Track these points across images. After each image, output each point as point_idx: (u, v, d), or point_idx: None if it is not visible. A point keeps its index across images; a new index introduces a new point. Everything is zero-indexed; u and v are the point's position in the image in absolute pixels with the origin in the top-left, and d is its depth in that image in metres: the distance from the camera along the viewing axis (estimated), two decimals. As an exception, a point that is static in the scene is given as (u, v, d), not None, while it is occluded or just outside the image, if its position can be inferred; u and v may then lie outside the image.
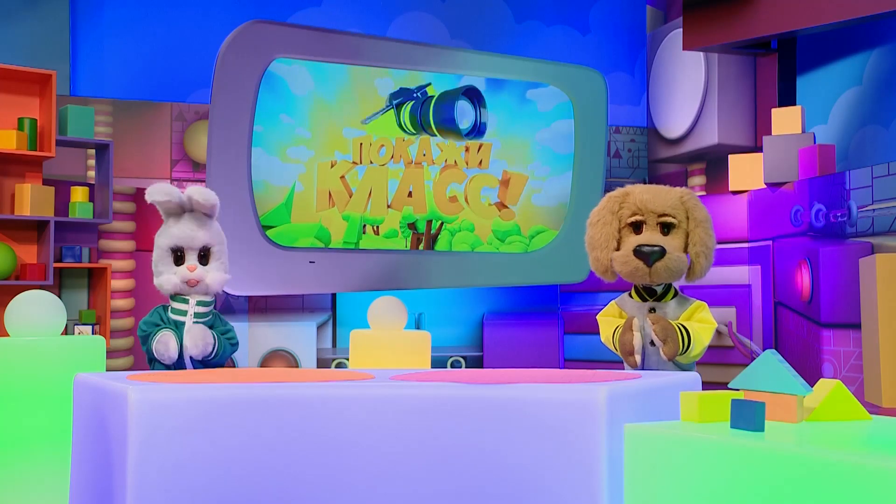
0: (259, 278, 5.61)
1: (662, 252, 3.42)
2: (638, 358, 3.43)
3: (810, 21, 5.53)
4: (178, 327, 3.53)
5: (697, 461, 1.59)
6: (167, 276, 3.56)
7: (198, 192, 3.58)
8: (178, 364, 3.52)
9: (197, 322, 3.55)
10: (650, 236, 3.48)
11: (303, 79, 5.72)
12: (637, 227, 3.54)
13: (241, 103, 5.47)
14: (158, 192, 3.55)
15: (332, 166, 5.80)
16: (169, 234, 3.57)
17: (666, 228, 3.51)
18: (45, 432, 3.57)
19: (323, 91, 5.78)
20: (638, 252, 3.44)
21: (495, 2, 7.07)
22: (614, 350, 3.56)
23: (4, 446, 3.55)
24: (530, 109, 6.34)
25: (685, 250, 3.52)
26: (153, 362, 3.56)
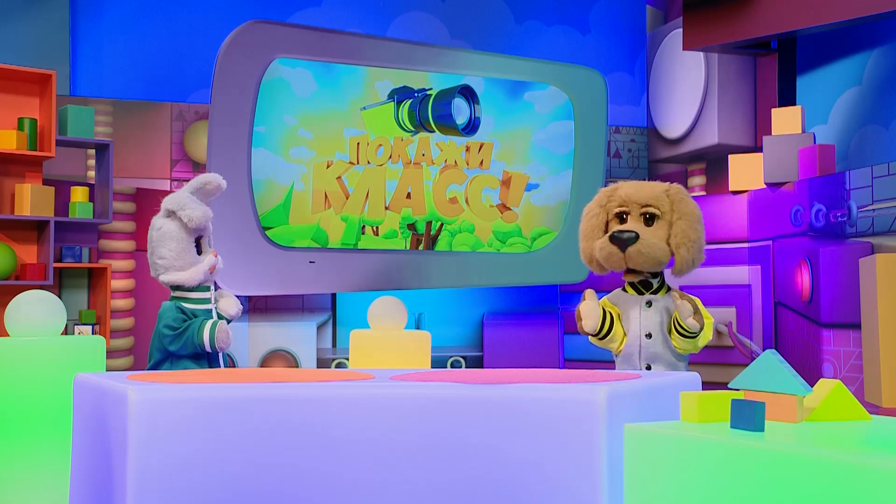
0: (259, 278, 5.61)
1: (636, 237, 3.48)
2: (588, 323, 3.49)
3: (810, 21, 5.53)
4: (197, 317, 3.57)
5: (697, 461, 1.59)
6: (197, 267, 3.59)
7: (218, 178, 3.69)
8: (211, 357, 3.59)
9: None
10: (631, 226, 3.56)
11: (305, 80, 5.72)
12: (623, 219, 3.63)
13: (241, 103, 5.47)
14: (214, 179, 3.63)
15: (328, 167, 5.79)
16: (191, 218, 3.59)
17: (649, 219, 3.59)
18: (45, 432, 3.57)
19: (324, 92, 5.78)
20: (613, 238, 3.52)
21: (495, 2, 7.07)
22: (596, 342, 3.62)
23: (5, 446, 3.55)
24: (528, 110, 6.34)
25: (668, 241, 3.58)
26: (168, 360, 3.55)
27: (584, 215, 3.80)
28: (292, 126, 5.70)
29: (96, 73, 6.25)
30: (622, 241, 3.52)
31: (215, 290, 3.74)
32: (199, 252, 3.66)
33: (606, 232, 3.68)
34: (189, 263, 3.58)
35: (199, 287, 3.61)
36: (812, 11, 5.51)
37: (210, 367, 3.57)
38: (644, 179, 6.98)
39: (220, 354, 3.62)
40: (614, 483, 2.15)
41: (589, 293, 3.56)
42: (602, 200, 3.72)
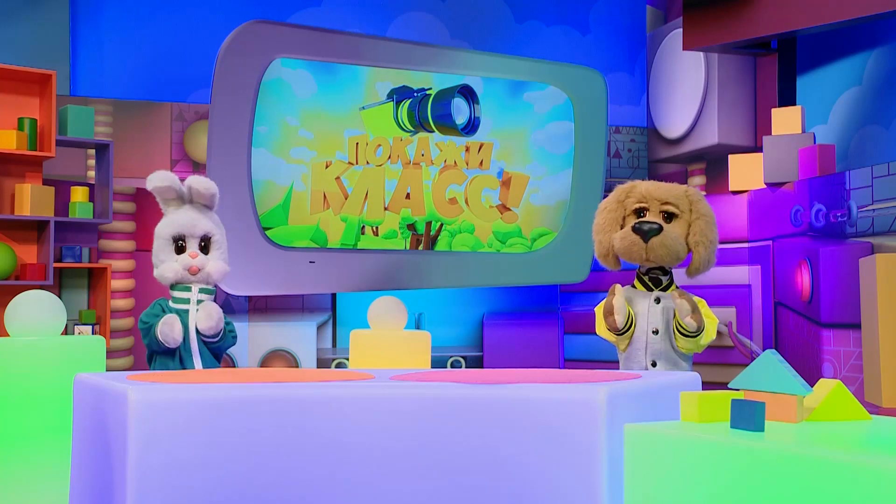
0: (259, 278, 5.61)
1: (660, 229, 3.50)
2: (619, 318, 3.48)
3: (810, 21, 5.53)
4: (180, 316, 3.54)
5: (697, 461, 1.59)
6: (168, 264, 3.57)
7: (197, 182, 3.61)
8: (184, 347, 3.53)
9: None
10: (651, 219, 3.58)
11: (306, 81, 5.72)
12: (641, 214, 3.64)
13: (241, 103, 5.47)
14: (159, 179, 3.57)
15: (326, 167, 5.79)
16: (170, 222, 3.59)
17: (668, 217, 3.61)
18: (45, 432, 3.57)
19: (324, 92, 5.78)
20: (636, 229, 3.54)
21: (495, 2, 7.07)
22: (609, 338, 3.61)
23: (4, 446, 3.55)
24: (527, 110, 6.34)
25: (686, 240, 3.60)
26: (153, 356, 3.56)
27: (599, 211, 3.79)
28: (292, 126, 5.69)
29: (96, 73, 6.25)
30: (644, 232, 3.52)
31: (213, 297, 3.69)
32: (183, 251, 3.63)
33: (622, 226, 3.69)
34: (161, 261, 3.60)
35: (178, 286, 3.61)
36: (812, 11, 5.51)
37: (182, 366, 3.53)
38: (644, 179, 6.99)
39: (197, 355, 3.56)
40: (614, 483, 2.15)
41: (618, 289, 3.54)
42: (620, 196, 3.73)
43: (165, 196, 3.62)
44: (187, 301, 3.59)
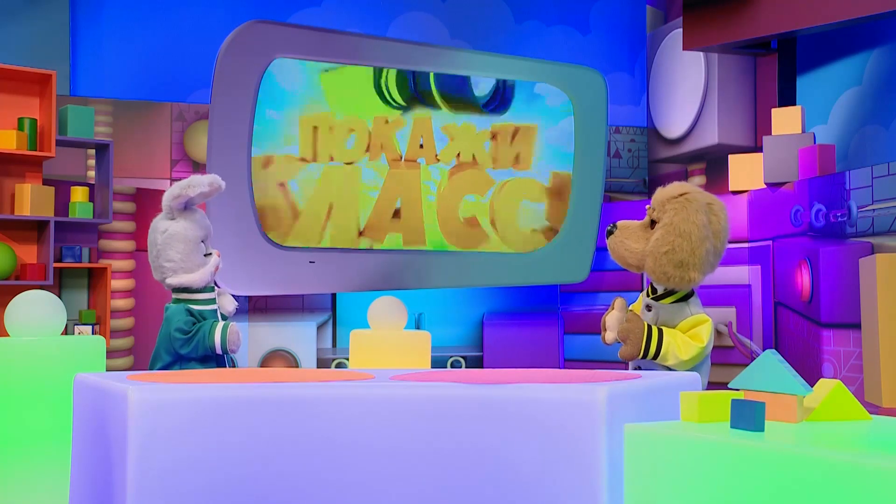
0: (259, 278, 5.61)
1: (611, 231, 3.61)
2: (610, 335, 3.47)
3: (810, 21, 5.53)
4: (205, 319, 3.58)
5: (697, 461, 1.59)
6: (205, 269, 3.60)
7: (216, 179, 3.65)
8: (219, 358, 3.60)
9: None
10: (634, 224, 3.63)
11: (302, 78, 5.71)
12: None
13: (241, 103, 5.47)
14: (202, 184, 3.58)
15: (264, 166, 5.78)
16: (196, 224, 3.60)
17: (652, 223, 3.59)
18: (45, 432, 3.57)
19: (322, 91, 5.77)
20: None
21: (495, 2, 7.07)
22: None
23: (4, 446, 3.56)
24: (535, 109, 6.33)
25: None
26: (177, 364, 3.55)
27: None
28: (290, 125, 5.69)
29: (96, 73, 6.25)
30: (607, 233, 3.63)
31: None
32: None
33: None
34: (197, 265, 3.58)
35: (206, 288, 3.63)
36: (812, 11, 5.51)
37: (218, 368, 3.58)
38: (644, 179, 6.99)
39: (227, 356, 3.64)
40: (614, 483, 2.15)
41: (618, 303, 3.52)
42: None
43: (199, 200, 3.65)
44: (214, 301, 3.64)
